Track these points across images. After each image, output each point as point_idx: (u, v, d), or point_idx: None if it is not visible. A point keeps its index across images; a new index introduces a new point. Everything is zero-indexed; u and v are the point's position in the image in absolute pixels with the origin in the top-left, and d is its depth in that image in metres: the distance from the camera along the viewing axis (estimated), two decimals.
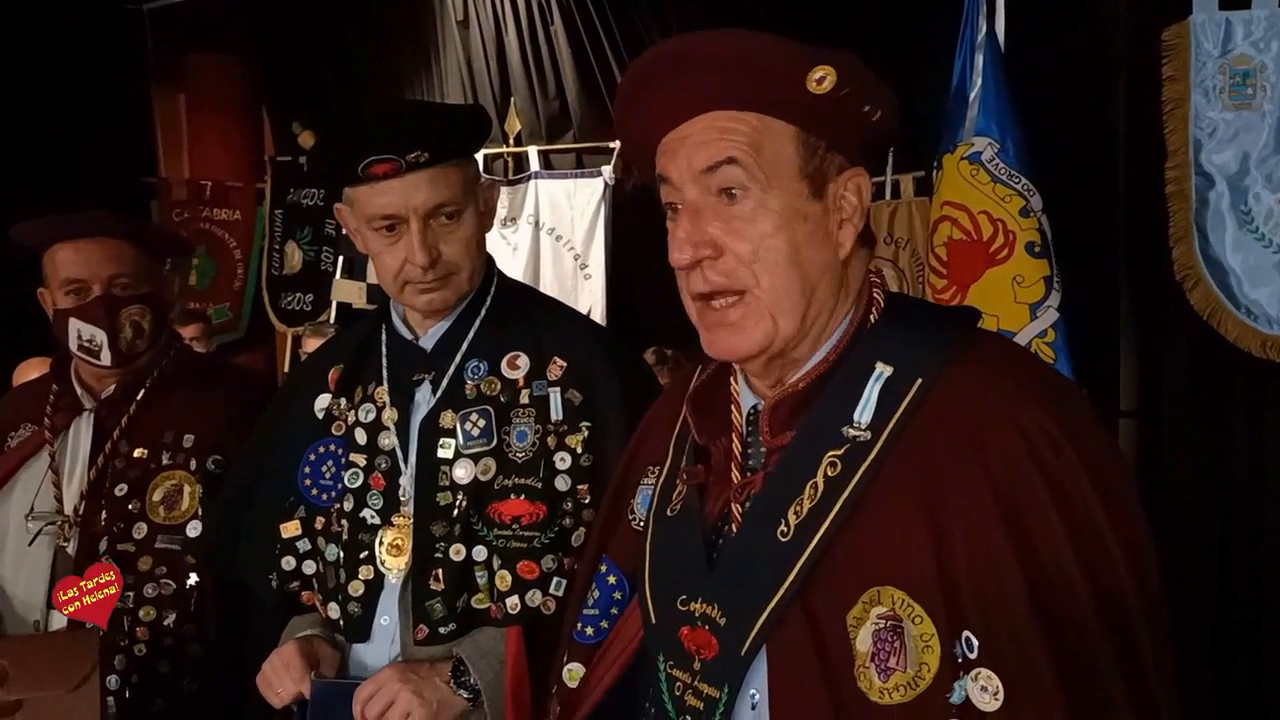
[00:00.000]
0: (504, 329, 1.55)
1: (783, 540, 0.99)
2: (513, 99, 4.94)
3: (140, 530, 1.80)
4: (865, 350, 1.03)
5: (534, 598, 1.44)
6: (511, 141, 4.97)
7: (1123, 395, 3.19)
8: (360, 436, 1.54)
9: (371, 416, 1.55)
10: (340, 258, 5.33)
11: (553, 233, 4.86)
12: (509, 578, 1.44)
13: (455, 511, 1.47)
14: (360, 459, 1.53)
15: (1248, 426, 2.88)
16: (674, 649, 1.05)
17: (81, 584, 1.71)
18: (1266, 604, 2.85)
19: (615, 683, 1.15)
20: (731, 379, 1.12)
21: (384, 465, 1.52)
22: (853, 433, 0.99)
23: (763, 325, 1.01)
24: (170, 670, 1.77)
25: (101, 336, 1.83)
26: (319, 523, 1.55)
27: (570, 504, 1.47)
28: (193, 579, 1.79)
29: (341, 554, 1.51)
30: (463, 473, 1.47)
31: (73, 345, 1.87)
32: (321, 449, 1.57)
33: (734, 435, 1.09)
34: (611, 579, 1.18)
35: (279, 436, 1.65)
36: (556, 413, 1.49)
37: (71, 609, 1.70)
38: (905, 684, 0.93)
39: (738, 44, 0.99)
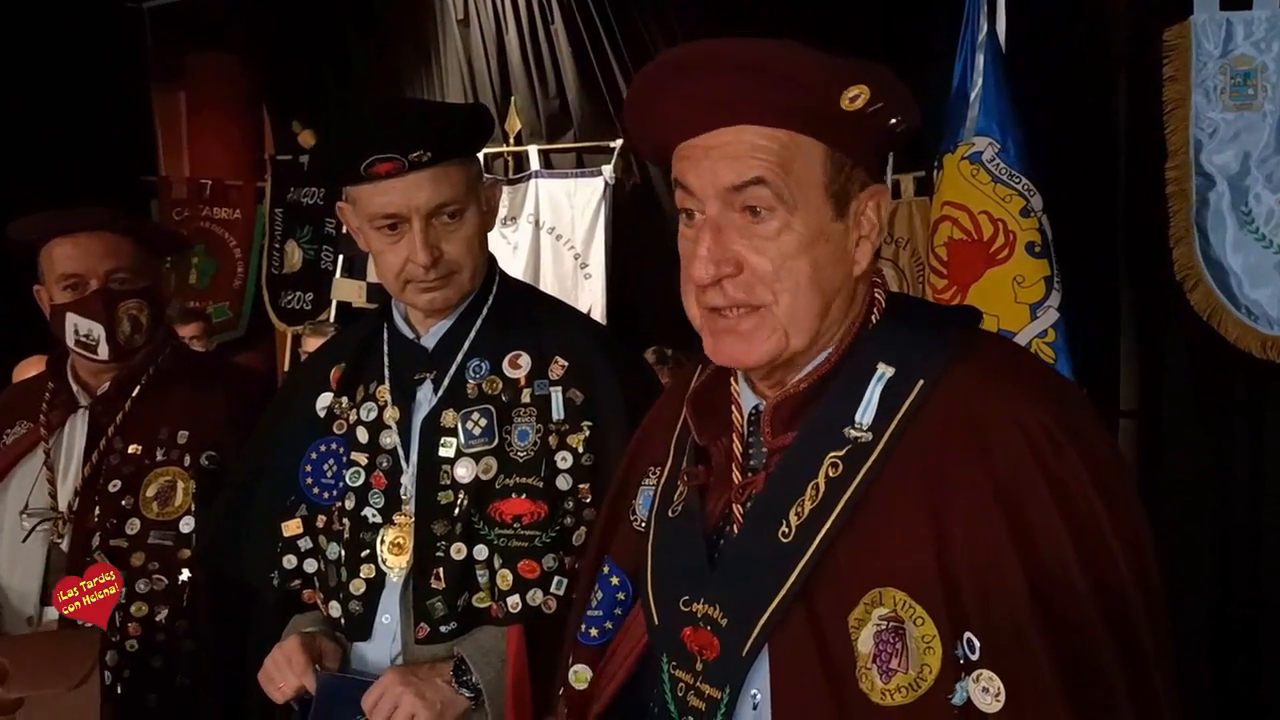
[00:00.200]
0: (506, 328, 1.56)
1: (784, 541, 0.99)
2: (513, 98, 4.94)
3: (133, 526, 1.81)
4: (867, 351, 1.03)
5: (535, 597, 1.44)
6: (512, 140, 4.97)
7: (1123, 395, 3.19)
8: (362, 435, 1.54)
9: (373, 415, 1.55)
10: (340, 256, 5.32)
11: (553, 232, 4.86)
12: (510, 577, 1.44)
13: (456, 510, 1.47)
14: (362, 458, 1.53)
15: (1248, 427, 2.89)
16: (676, 650, 1.05)
17: (81, 584, 1.71)
18: (1266, 604, 2.85)
19: (624, 684, 1.15)
20: (732, 379, 1.12)
21: (385, 464, 1.52)
22: (854, 434, 0.99)
23: (774, 339, 1.01)
24: (163, 665, 1.77)
25: (99, 330, 1.83)
26: (320, 521, 1.55)
27: (571, 503, 1.47)
28: (185, 574, 1.79)
29: (343, 552, 1.51)
30: (464, 472, 1.48)
31: (70, 340, 1.87)
32: (323, 447, 1.57)
33: (735, 436, 1.09)
34: (615, 580, 1.18)
35: (280, 435, 1.65)
36: (558, 412, 1.49)
37: (71, 609, 1.70)
38: (907, 685, 0.93)
39: (775, 54, 0.96)
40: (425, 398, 1.54)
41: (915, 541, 0.95)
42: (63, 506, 1.83)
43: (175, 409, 1.89)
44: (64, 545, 1.81)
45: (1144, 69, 2.94)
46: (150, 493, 1.83)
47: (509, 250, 4.84)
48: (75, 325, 1.84)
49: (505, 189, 4.82)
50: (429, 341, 1.56)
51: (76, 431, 1.89)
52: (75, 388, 1.93)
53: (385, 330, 1.60)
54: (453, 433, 1.50)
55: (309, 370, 1.75)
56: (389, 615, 1.49)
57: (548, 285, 4.68)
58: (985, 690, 0.91)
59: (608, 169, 4.71)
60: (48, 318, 1.90)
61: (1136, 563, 0.94)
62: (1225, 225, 2.80)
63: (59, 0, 4.96)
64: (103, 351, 1.86)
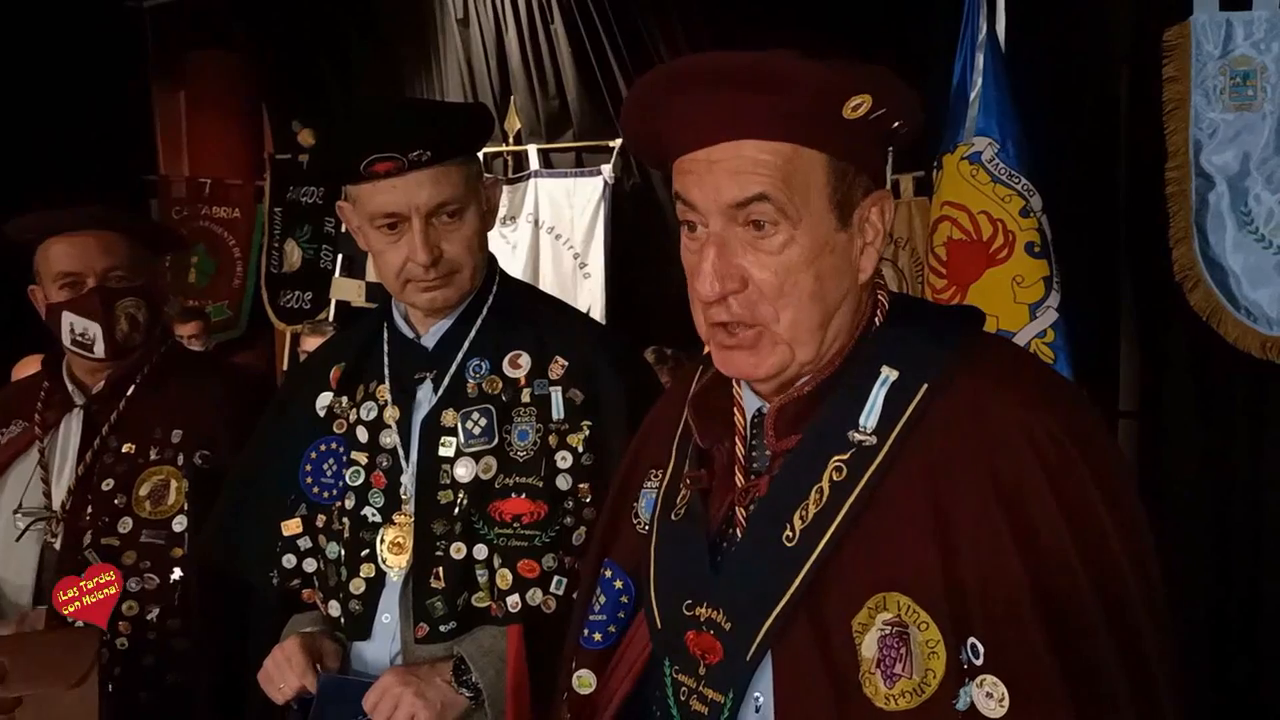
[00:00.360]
0: (506, 328, 1.55)
1: (788, 545, 0.98)
2: (512, 97, 4.94)
3: (125, 525, 1.80)
4: (870, 354, 1.03)
5: (534, 596, 1.44)
6: (511, 140, 4.96)
7: (1122, 396, 3.19)
8: (362, 434, 1.54)
9: (373, 415, 1.55)
10: (339, 256, 5.33)
11: (552, 231, 4.86)
12: (510, 576, 1.44)
13: (456, 510, 1.47)
14: (362, 457, 1.53)
15: (1247, 427, 2.89)
16: (679, 654, 1.05)
17: (81, 584, 1.71)
18: (1266, 603, 2.85)
19: (631, 693, 1.14)
20: (734, 382, 1.12)
21: (385, 463, 1.52)
22: (858, 437, 0.99)
23: (779, 352, 1.01)
24: (154, 664, 1.77)
25: (94, 329, 1.83)
26: (320, 520, 1.55)
27: (571, 503, 1.47)
28: (177, 573, 1.79)
29: (343, 552, 1.51)
30: (464, 471, 1.47)
31: (66, 339, 1.87)
32: (323, 447, 1.57)
33: (737, 439, 1.08)
34: (618, 584, 1.17)
35: (280, 434, 1.64)
36: (558, 412, 1.49)
37: (71, 609, 1.70)
38: (911, 690, 0.92)
39: (774, 67, 0.95)
40: (425, 397, 1.54)
41: (919, 546, 0.94)
42: (56, 506, 1.84)
43: (170, 408, 1.88)
44: (57, 544, 1.81)
45: (1144, 69, 2.94)
46: (143, 491, 1.83)
47: (508, 250, 4.84)
48: (72, 324, 1.84)
49: (505, 188, 4.82)
50: (429, 341, 1.56)
51: (71, 430, 1.89)
52: (71, 387, 1.93)
53: (385, 330, 1.60)
54: (453, 432, 1.49)
55: (309, 370, 1.75)
56: (389, 615, 1.49)
57: (547, 285, 4.68)
58: (989, 695, 0.90)
59: (607, 168, 4.71)
60: (43, 317, 1.90)
61: (1139, 566, 0.94)
62: (1225, 226, 2.80)
63: None
64: (99, 350, 1.85)
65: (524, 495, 1.46)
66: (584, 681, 1.17)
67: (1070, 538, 0.92)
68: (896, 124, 1.00)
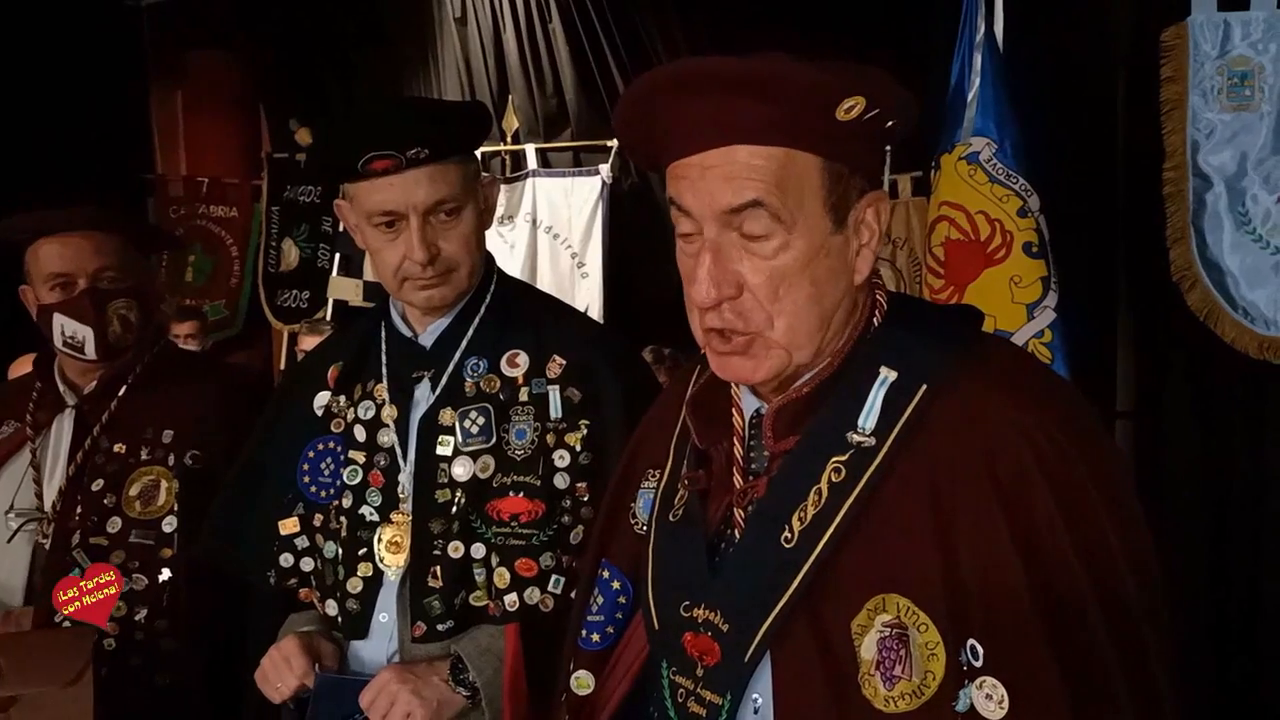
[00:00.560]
0: (503, 327, 1.55)
1: (787, 546, 0.98)
2: (510, 97, 4.93)
3: (114, 525, 1.80)
4: (869, 355, 1.03)
5: (532, 595, 1.44)
6: (509, 139, 4.96)
7: (1119, 396, 3.19)
8: (359, 434, 1.54)
9: (371, 414, 1.54)
10: (337, 255, 5.32)
11: (550, 231, 4.86)
12: (507, 575, 1.44)
13: (454, 509, 1.47)
14: (359, 456, 1.53)
15: (1245, 427, 2.89)
16: (677, 655, 1.04)
17: (81, 584, 1.71)
18: (1265, 603, 2.86)
19: (629, 693, 1.14)
20: (732, 383, 1.11)
21: (383, 462, 1.51)
22: (857, 438, 0.99)
23: (776, 357, 1.01)
24: (141, 664, 1.76)
25: (85, 332, 1.82)
26: (317, 520, 1.55)
27: (569, 502, 1.47)
28: (165, 574, 1.78)
29: (340, 551, 1.51)
30: (461, 470, 1.47)
31: (57, 341, 1.86)
32: (320, 446, 1.57)
33: (736, 440, 1.08)
34: (615, 584, 1.17)
35: (278, 433, 1.64)
36: (556, 410, 1.49)
37: (71, 609, 1.69)
38: (910, 692, 0.92)
39: (766, 72, 0.94)
40: (423, 396, 1.53)
41: (919, 547, 0.94)
42: (48, 506, 1.83)
43: (161, 408, 1.88)
44: (48, 545, 1.80)
45: (1142, 69, 2.94)
46: (133, 492, 1.82)
47: (506, 249, 4.83)
48: (63, 326, 1.83)
49: (503, 188, 4.81)
50: (427, 340, 1.56)
51: (63, 431, 1.88)
52: (62, 387, 1.92)
53: (383, 328, 1.60)
54: (450, 431, 1.49)
55: (306, 369, 1.74)
56: (386, 614, 1.49)
57: (545, 284, 4.68)
58: (989, 697, 0.90)
59: (605, 168, 4.71)
60: (34, 318, 1.89)
61: (1138, 567, 0.94)
62: (1222, 226, 2.81)
63: None
64: (90, 352, 1.85)
65: (522, 494, 1.46)
66: (582, 682, 1.16)
67: (1069, 538, 0.92)
68: (891, 124, 1.00)
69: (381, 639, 1.49)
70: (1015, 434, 0.94)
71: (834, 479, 0.98)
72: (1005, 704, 0.90)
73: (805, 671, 0.96)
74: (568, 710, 1.17)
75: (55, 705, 1.36)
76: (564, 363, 1.51)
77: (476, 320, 1.55)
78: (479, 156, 1.67)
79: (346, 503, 1.52)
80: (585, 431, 1.48)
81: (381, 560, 1.49)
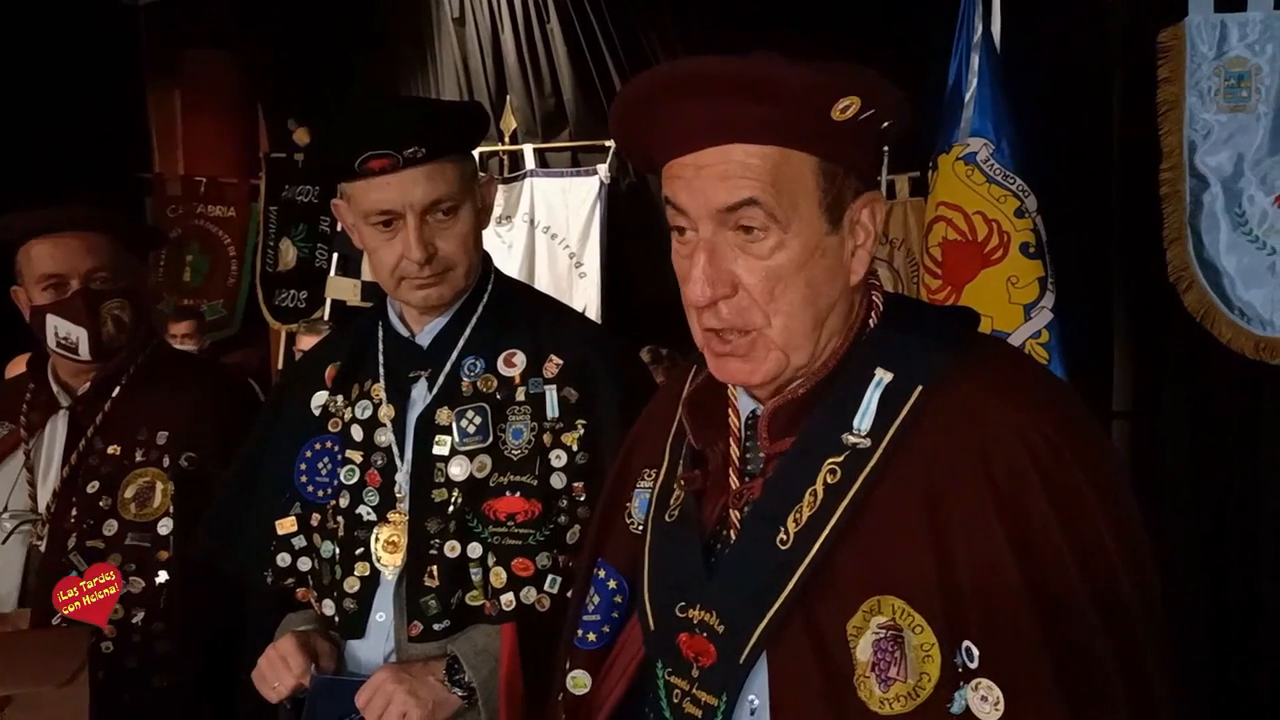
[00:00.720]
0: (501, 326, 1.55)
1: (782, 548, 0.98)
2: (508, 97, 4.93)
3: (110, 527, 1.79)
4: (864, 356, 1.03)
5: (529, 595, 1.44)
6: (507, 139, 4.96)
7: (1115, 396, 3.20)
8: (356, 433, 1.54)
9: (368, 413, 1.54)
10: (335, 255, 5.32)
11: (548, 231, 4.86)
12: (504, 575, 1.44)
13: (450, 508, 1.47)
14: (356, 456, 1.53)
15: (1241, 428, 2.89)
16: (672, 656, 1.04)
17: (81, 584, 1.70)
18: (1262, 604, 2.86)
19: (625, 694, 1.14)
20: (729, 384, 1.11)
21: (380, 462, 1.51)
22: (852, 440, 0.99)
23: (773, 359, 1.01)
24: (138, 666, 1.76)
25: (79, 333, 1.81)
26: (315, 519, 1.55)
27: (565, 501, 1.47)
28: (162, 576, 1.77)
29: (337, 551, 1.51)
30: (458, 470, 1.47)
31: (50, 342, 1.85)
32: (318, 445, 1.57)
33: (732, 440, 1.08)
34: (611, 584, 1.17)
35: (275, 433, 1.64)
36: (552, 410, 1.49)
37: (71, 609, 1.69)
38: (906, 694, 0.92)
39: (761, 72, 0.94)
40: (420, 395, 1.53)
41: (914, 549, 0.94)
42: (42, 508, 1.82)
43: (155, 409, 1.87)
44: (43, 547, 1.80)
45: (1139, 70, 2.94)
46: (128, 494, 1.81)
47: (504, 249, 4.83)
48: (56, 327, 1.82)
49: (500, 188, 4.82)
50: (424, 339, 1.56)
51: (57, 432, 1.87)
52: (56, 388, 1.91)
53: (380, 328, 1.60)
54: (447, 430, 1.49)
55: (304, 369, 1.74)
56: (383, 613, 1.49)
57: (542, 284, 4.68)
58: (984, 699, 0.90)
59: (603, 168, 4.71)
60: (27, 319, 1.87)
61: (1134, 568, 0.94)
62: (1219, 227, 2.81)
63: None
64: (84, 352, 1.84)
65: (518, 494, 1.46)
66: (578, 682, 1.16)
67: (1065, 540, 0.92)
68: (887, 124, 1.00)
69: (378, 638, 1.49)
70: (1011, 435, 0.94)
71: (829, 480, 0.98)
72: (1001, 706, 0.89)
73: (801, 673, 0.96)
74: (564, 710, 1.17)
75: (50, 705, 1.35)
76: (561, 362, 1.51)
77: (474, 320, 1.55)
78: (477, 157, 1.67)
79: (343, 502, 1.52)
80: (582, 431, 1.48)
81: (378, 560, 1.49)
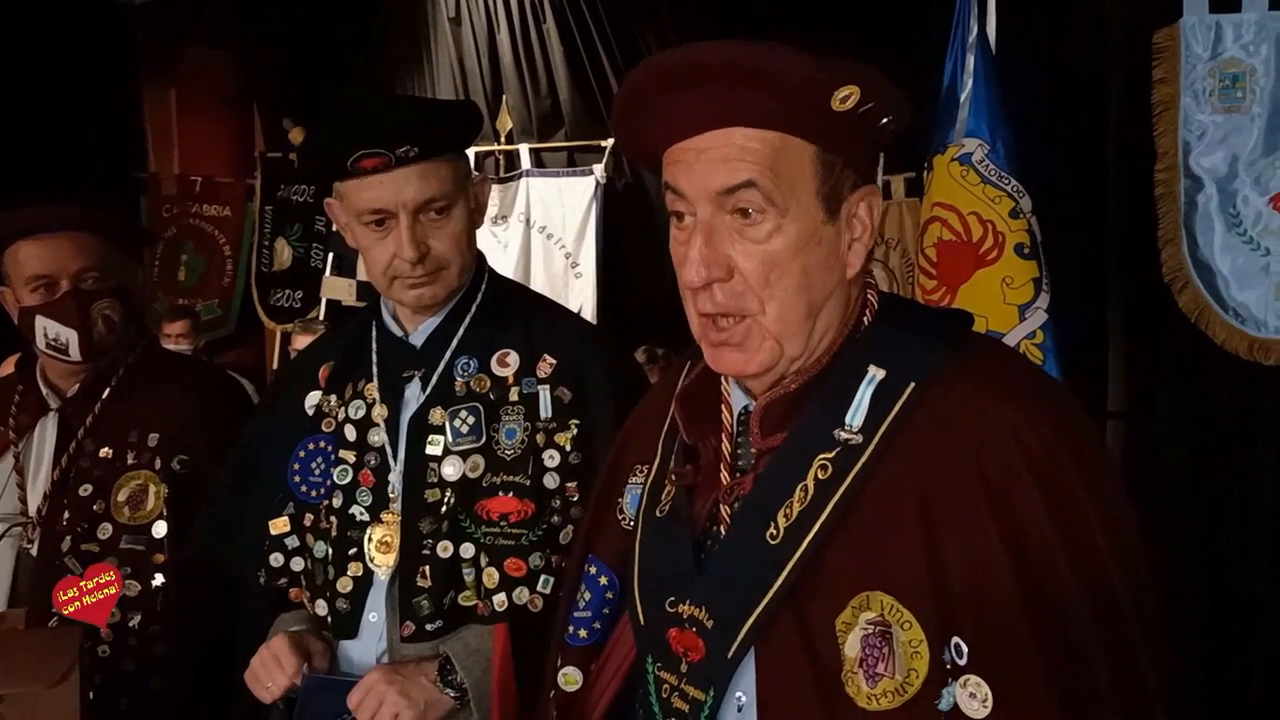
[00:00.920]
0: (494, 326, 1.55)
1: (772, 543, 0.98)
2: (504, 96, 4.93)
3: (105, 531, 1.78)
4: (858, 353, 1.03)
5: (521, 595, 1.44)
6: (503, 139, 4.96)
7: (1111, 397, 3.20)
8: (350, 433, 1.53)
9: (361, 413, 1.54)
10: (330, 254, 5.32)
11: (544, 231, 4.86)
12: (496, 575, 1.44)
13: (443, 508, 1.46)
14: (350, 455, 1.52)
15: (1236, 428, 2.90)
16: (662, 651, 1.04)
17: (81, 584, 1.69)
18: (1257, 604, 2.86)
19: (618, 693, 1.14)
20: (722, 379, 1.11)
21: (373, 462, 1.51)
22: (844, 436, 0.99)
23: (767, 347, 1.01)
24: (135, 670, 1.75)
25: (69, 335, 1.79)
26: (308, 519, 1.54)
27: (559, 501, 1.46)
28: (158, 579, 1.76)
29: (330, 551, 1.50)
30: (451, 470, 1.47)
31: (40, 344, 1.83)
32: (311, 445, 1.56)
33: (724, 436, 1.08)
34: (603, 580, 1.17)
35: (269, 433, 1.64)
36: (546, 410, 1.49)
37: (71, 609, 1.67)
38: (893, 690, 0.92)
39: (764, 57, 0.95)
40: (413, 395, 1.53)
41: (904, 545, 0.94)
42: (32, 511, 1.81)
43: (146, 411, 1.85)
44: (33, 550, 1.79)
45: (1134, 71, 2.95)
46: (121, 497, 1.80)
47: (500, 249, 4.83)
48: (45, 328, 1.80)
49: (496, 188, 4.82)
50: (417, 339, 1.55)
51: (47, 435, 1.86)
52: (45, 390, 1.89)
53: (374, 328, 1.59)
54: (440, 430, 1.49)
55: (298, 368, 1.74)
56: (376, 613, 1.48)
57: (538, 284, 4.68)
58: (972, 696, 0.90)
59: (599, 168, 4.71)
60: (15, 321, 1.85)
61: (1128, 569, 0.94)
62: (1213, 227, 2.82)
63: None
64: (75, 353, 1.82)
65: (511, 494, 1.45)
66: (569, 679, 1.16)
67: (1058, 540, 0.91)
68: (885, 120, 1.00)
69: (371, 639, 1.49)
70: (1007, 434, 0.94)
71: (820, 476, 0.98)
72: (989, 703, 0.89)
73: (789, 669, 0.96)
74: (555, 707, 1.17)
75: (41, 706, 1.34)
76: (554, 362, 1.51)
77: (467, 319, 1.55)
78: (472, 156, 1.66)
79: (337, 502, 1.51)
80: (575, 431, 1.48)
81: (371, 560, 1.48)
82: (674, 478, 1.10)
